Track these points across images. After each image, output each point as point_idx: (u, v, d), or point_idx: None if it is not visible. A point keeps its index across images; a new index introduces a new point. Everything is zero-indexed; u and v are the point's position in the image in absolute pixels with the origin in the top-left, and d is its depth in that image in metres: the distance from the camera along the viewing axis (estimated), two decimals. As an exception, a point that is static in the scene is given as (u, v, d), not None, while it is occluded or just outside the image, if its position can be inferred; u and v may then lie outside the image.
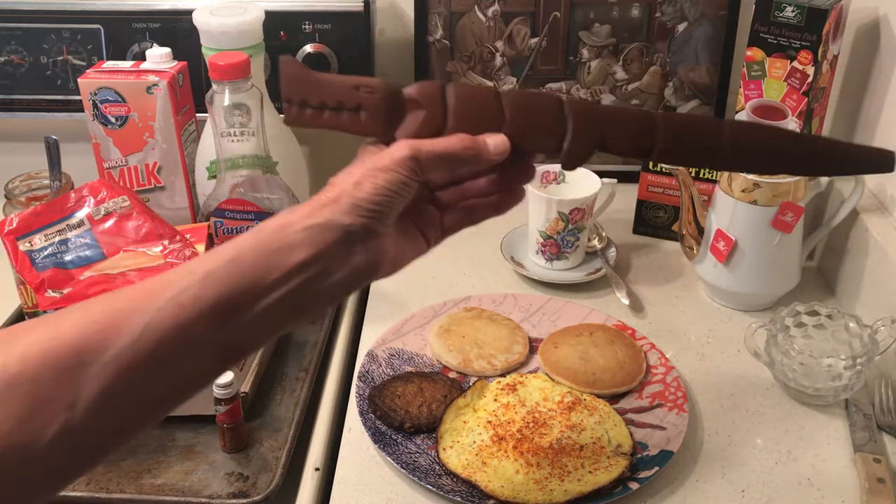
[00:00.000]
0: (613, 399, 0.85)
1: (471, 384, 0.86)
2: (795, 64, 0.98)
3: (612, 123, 0.57)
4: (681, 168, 0.99)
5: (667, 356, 0.90)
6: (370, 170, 0.52)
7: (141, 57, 1.09)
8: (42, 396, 0.42)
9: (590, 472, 0.75)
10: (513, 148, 0.56)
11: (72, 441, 0.43)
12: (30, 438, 0.41)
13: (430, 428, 0.80)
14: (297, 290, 0.49)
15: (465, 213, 0.60)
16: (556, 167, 1.06)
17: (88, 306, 0.47)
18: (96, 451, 0.46)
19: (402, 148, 0.53)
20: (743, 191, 0.92)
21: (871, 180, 1.00)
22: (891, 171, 0.57)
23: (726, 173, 0.94)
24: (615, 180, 1.07)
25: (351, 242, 0.51)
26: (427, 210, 0.59)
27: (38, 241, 0.85)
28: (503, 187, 0.59)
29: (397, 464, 0.76)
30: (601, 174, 1.04)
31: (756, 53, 1.00)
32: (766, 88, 1.01)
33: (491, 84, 1.21)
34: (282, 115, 1.11)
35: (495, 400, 0.82)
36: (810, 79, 0.97)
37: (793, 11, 0.96)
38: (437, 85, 0.56)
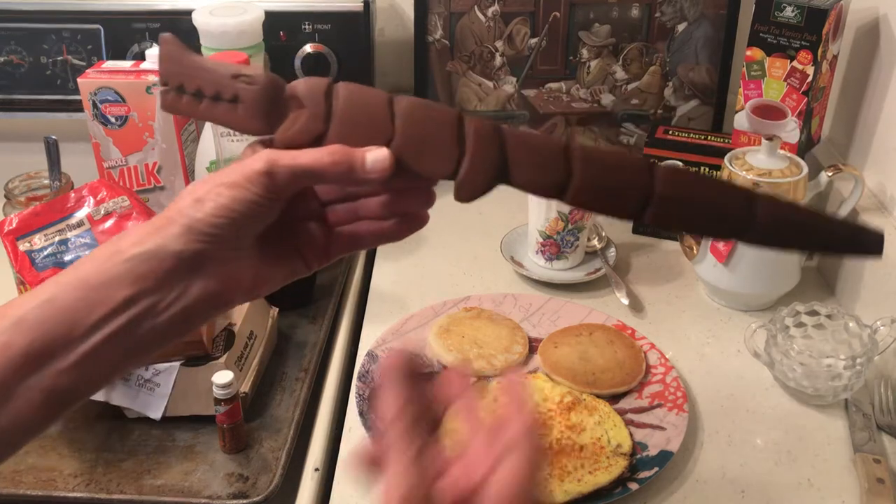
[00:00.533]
0: (613, 399, 0.85)
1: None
2: (795, 64, 0.98)
3: (518, 149, 0.49)
4: (680, 167, 0.99)
5: (666, 356, 0.90)
6: (217, 185, 0.45)
7: (141, 57, 1.09)
8: None
9: (589, 472, 0.74)
10: (404, 167, 0.48)
11: None
12: None
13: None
14: (125, 328, 0.44)
15: (352, 237, 0.53)
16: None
17: None
18: None
19: (256, 161, 0.46)
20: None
21: (871, 179, 1.00)
22: (878, 255, 0.50)
23: (726, 172, 0.94)
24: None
25: (186, 271, 0.45)
26: (308, 227, 0.52)
27: (38, 240, 0.85)
28: (397, 211, 0.52)
29: (397, 464, 0.76)
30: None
31: (756, 53, 1.00)
32: (765, 88, 1.01)
33: (491, 84, 1.22)
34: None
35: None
36: (810, 78, 0.97)
37: (792, 11, 0.96)
38: (326, 83, 0.49)
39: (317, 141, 0.48)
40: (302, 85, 0.49)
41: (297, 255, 0.52)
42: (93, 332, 0.43)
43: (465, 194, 0.49)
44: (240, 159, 0.48)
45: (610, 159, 0.50)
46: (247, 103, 0.48)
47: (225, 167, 0.47)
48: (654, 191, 0.49)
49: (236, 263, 0.47)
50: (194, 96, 0.49)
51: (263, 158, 0.46)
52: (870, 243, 0.50)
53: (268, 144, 0.49)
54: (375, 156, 0.47)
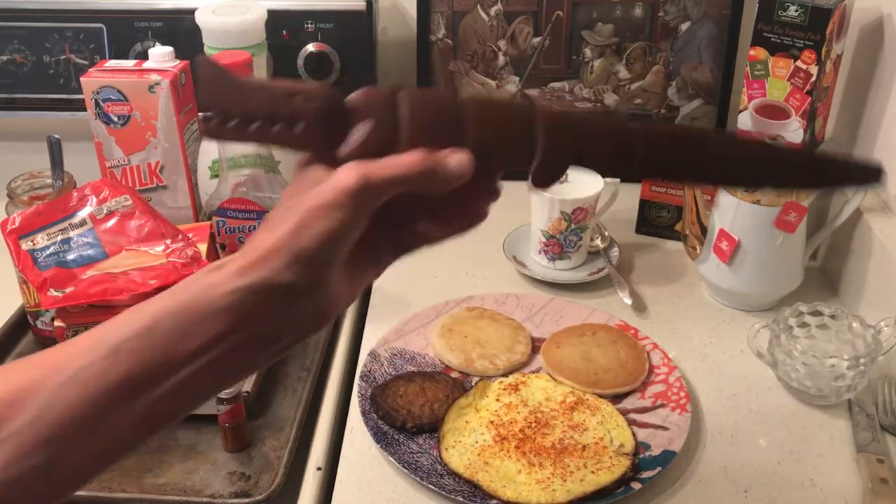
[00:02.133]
0: (616, 399, 0.84)
1: (473, 384, 0.86)
2: (799, 63, 0.97)
3: (589, 136, 0.50)
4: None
5: (669, 356, 0.89)
6: (311, 208, 0.43)
7: (143, 56, 1.08)
8: None
9: (592, 472, 0.74)
10: (481, 165, 0.48)
11: None
12: None
13: (432, 428, 0.80)
14: (222, 357, 0.43)
15: (419, 236, 0.52)
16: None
17: (9, 372, 0.44)
18: None
19: (348, 176, 0.44)
20: (746, 191, 0.92)
21: (875, 180, 1.00)
22: (878, 182, 0.52)
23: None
24: (618, 180, 1.06)
25: (295, 301, 0.44)
26: (375, 229, 0.50)
27: (41, 240, 0.85)
28: (461, 209, 0.51)
29: (399, 464, 0.76)
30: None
31: (759, 53, 1.00)
32: (769, 88, 1.00)
33: (493, 84, 1.21)
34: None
35: (497, 400, 0.82)
36: (814, 78, 0.97)
37: (796, 11, 0.95)
38: (388, 91, 0.47)
39: (388, 150, 0.46)
40: (363, 96, 0.47)
41: (371, 258, 0.51)
42: (190, 361, 0.43)
43: (543, 179, 0.49)
44: (298, 180, 0.47)
45: (669, 138, 0.51)
46: (309, 122, 0.46)
47: (302, 191, 0.46)
48: (709, 158, 0.50)
49: (336, 284, 0.46)
50: (243, 121, 0.46)
51: (355, 173, 0.44)
52: (869, 173, 0.51)
53: (324, 160, 0.47)
54: (459, 158, 0.46)
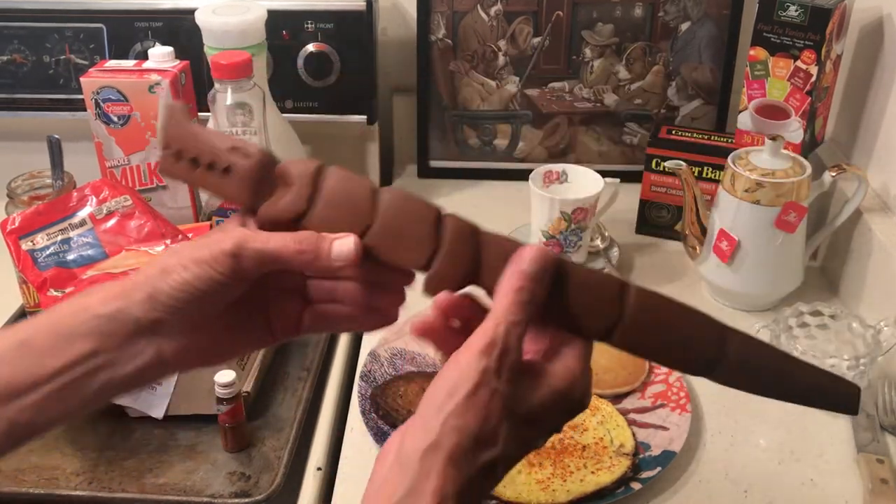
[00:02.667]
0: (616, 399, 0.84)
1: (473, 384, 0.86)
2: (799, 63, 0.97)
3: (493, 254, 0.49)
4: (683, 167, 0.99)
5: (669, 356, 0.89)
6: (185, 258, 0.46)
7: (143, 56, 1.08)
8: None
9: (592, 472, 0.74)
10: (377, 258, 0.49)
11: None
12: None
13: (433, 428, 0.80)
14: (83, 378, 0.46)
15: (325, 316, 0.53)
16: (560, 166, 1.05)
17: None
18: None
19: (227, 240, 0.46)
20: (746, 191, 0.92)
21: (875, 180, 1.00)
22: (853, 412, 0.50)
23: (729, 172, 0.94)
24: (618, 180, 1.06)
25: (144, 335, 0.47)
26: (283, 298, 0.52)
27: (41, 240, 0.85)
28: (370, 303, 0.52)
29: (399, 464, 0.76)
30: (604, 174, 1.04)
31: (759, 53, 1.00)
32: (769, 88, 1.00)
33: (493, 83, 1.21)
34: (284, 115, 1.12)
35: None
36: (814, 78, 0.97)
37: (796, 11, 0.95)
38: (315, 165, 0.50)
39: (296, 221, 0.49)
40: (293, 164, 0.50)
41: (266, 325, 0.53)
42: (55, 377, 0.46)
43: (434, 286, 0.49)
44: (221, 229, 0.49)
45: (587, 278, 0.49)
46: (239, 175, 0.49)
47: (202, 237, 0.49)
48: (624, 314, 0.48)
49: (196, 333, 0.48)
50: (191, 162, 0.50)
51: (233, 239, 0.47)
52: (845, 398, 0.49)
53: (252, 217, 0.50)
54: (342, 244, 0.48)
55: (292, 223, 0.49)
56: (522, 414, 0.44)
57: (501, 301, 0.45)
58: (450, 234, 0.49)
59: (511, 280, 0.45)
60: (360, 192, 0.50)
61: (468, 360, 0.44)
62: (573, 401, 0.46)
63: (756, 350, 0.49)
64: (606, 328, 0.48)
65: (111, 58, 1.14)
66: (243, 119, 0.90)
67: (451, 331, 0.48)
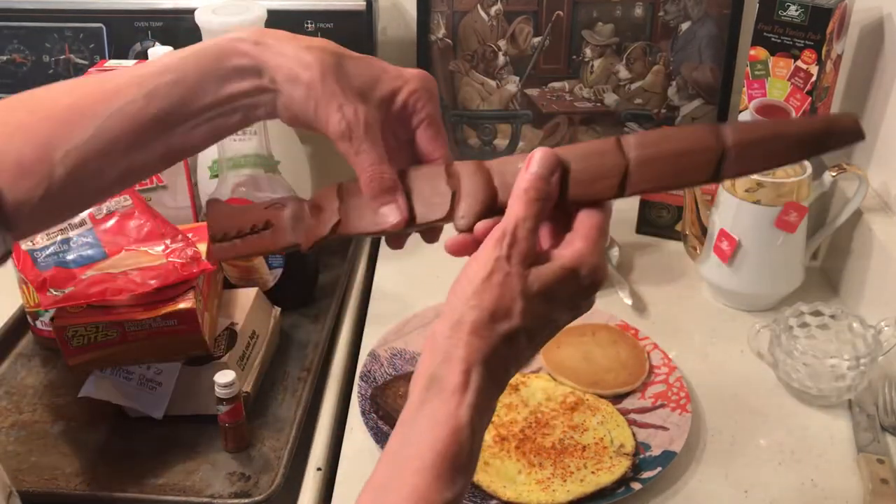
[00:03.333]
0: (616, 399, 0.84)
1: (473, 384, 0.86)
2: (799, 63, 0.97)
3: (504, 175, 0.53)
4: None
5: (670, 356, 0.89)
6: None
7: (143, 56, 1.08)
8: (26, 167, 0.51)
9: (592, 472, 0.74)
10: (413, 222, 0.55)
11: (52, 202, 0.52)
12: (24, 197, 0.51)
13: (433, 428, 0.80)
14: (225, 114, 0.54)
15: None
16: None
17: (58, 97, 0.53)
18: (70, 211, 0.57)
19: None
20: (746, 191, 0.92)
21: (875, 180, 1.00)
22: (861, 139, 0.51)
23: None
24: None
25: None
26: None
27: (40, 240, 0.85)
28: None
29: (399, 464, 0.76)
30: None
31: (760, 52, 0.99)
32: (769, 88, 1.00)
33: (494, 83, 1.21)
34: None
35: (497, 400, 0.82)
36: (814, 78, 0.97)
37: (796, 10, 0.95)
38: (335, 187, 0.57)
39: (333, 230, 0.55)
40: (317, 193, 0.57)
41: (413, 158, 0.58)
42: (206, 110, 0.53)
43: (468, 224, 0.53)
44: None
45: (584, 150, 0.52)
46: (277, 225, 0.57)
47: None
48: (629, 159, 0.51)
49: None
50: (238, 238, 0.58)
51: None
52: (848, 128, 0.50)
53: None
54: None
55: (332, 234, 0.56)
56: (535, 291, 0.49)
57: (512, 202, 0.50)
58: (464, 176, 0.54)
59: (520, 182, 0.50)
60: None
61: (484, 252, 0.50)
62: (583, 276, 0.50)
63: (748, 126, 0.51)
64: (619, 181, 0.51)
65: (111, 58, 1.14)
66: (243, 119, 0.90)
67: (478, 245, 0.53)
